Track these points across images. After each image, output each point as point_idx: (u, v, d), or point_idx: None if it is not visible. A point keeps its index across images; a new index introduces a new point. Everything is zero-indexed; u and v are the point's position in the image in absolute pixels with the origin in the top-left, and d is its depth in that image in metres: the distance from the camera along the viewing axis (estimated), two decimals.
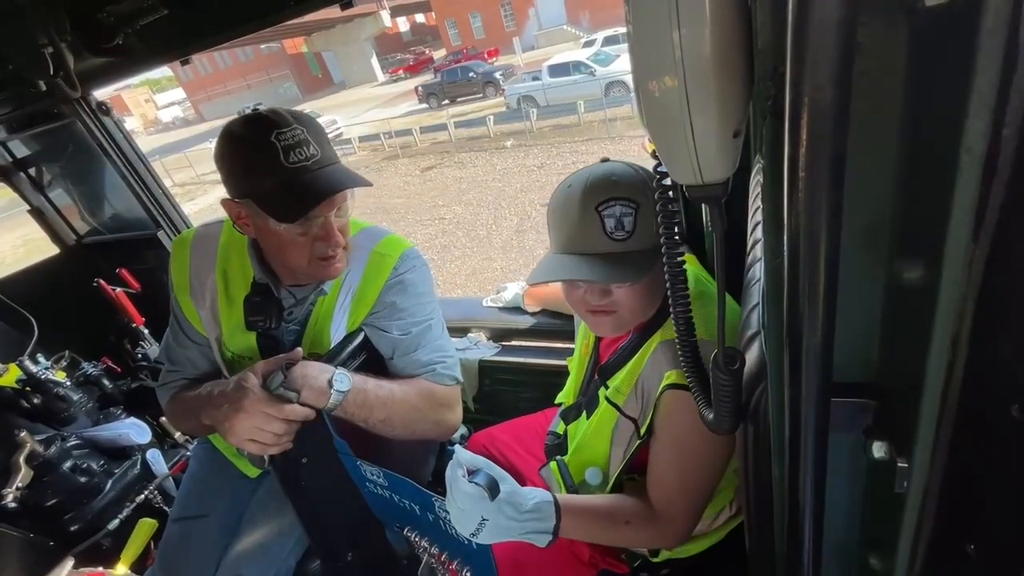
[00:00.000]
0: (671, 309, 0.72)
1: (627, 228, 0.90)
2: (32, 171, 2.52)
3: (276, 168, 0.99)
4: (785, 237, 0.33)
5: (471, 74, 20.59)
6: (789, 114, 0.29)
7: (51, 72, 1.68)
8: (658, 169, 0.72)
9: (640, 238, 0.91)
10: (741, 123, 0.42)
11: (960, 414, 0.31)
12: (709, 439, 0.92)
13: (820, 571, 0.50)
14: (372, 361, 1.26)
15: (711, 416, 0.70)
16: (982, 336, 0.29)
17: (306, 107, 27.19)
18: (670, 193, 0.67)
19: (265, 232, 1.09)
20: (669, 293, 0.69)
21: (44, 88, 1.77)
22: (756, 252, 0.82)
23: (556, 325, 1.82)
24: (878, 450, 0.39)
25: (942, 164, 0.27)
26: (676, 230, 0.66)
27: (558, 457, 1.23)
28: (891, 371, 0.39)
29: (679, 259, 0.67)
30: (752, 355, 0.67)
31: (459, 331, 2.02)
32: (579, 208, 0.92)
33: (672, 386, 0.92)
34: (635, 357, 1.01)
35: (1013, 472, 0.32)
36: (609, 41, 18.13)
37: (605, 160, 0.98)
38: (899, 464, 0.37)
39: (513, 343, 1.97)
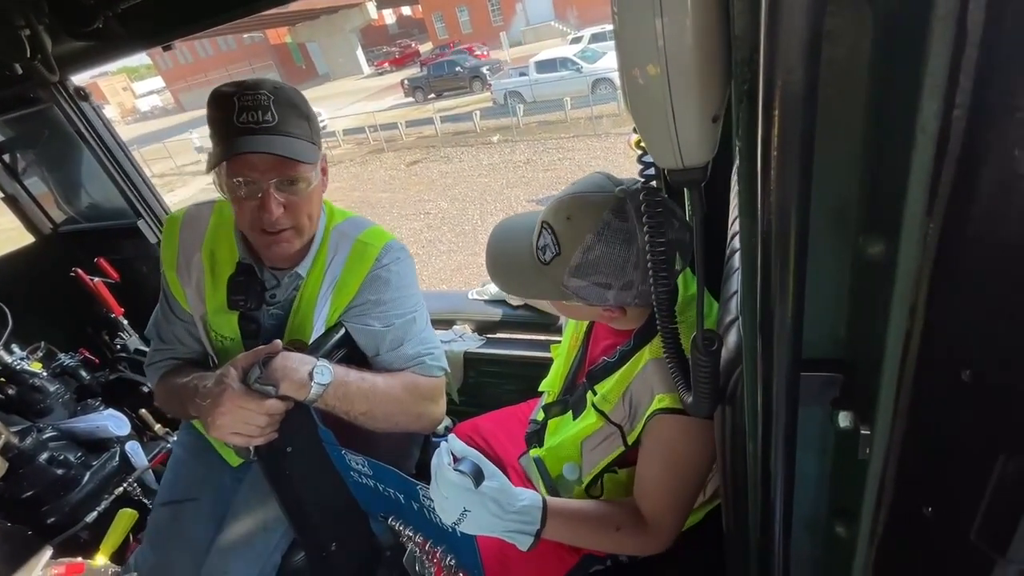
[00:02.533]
0: (653, 296, 0.73)
1: (545, 258, 0.92)
2: (6, 157, 2.45)
3: (227, 125, 1.02)
4: (759, 215, 0.35)
5: (457, 68, 20.48)
6: (762, 96, 0.30)
7: (28, 55, 1.64)
8: (644, 173, 0.74)
9: (549, 273, 0.92)
10: (720, 108, 0.44)
11: (917, 380, 0.34)
12: (697, 451, 0.94)
13: (790, 542, 0.53)
14: (354, 356, 1.26)
15: (690, 399, 0.72)
16: (936, 305, 0.31)
17: None
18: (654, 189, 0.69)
19: (227, 193, 1.11)
20: (651, 276, 0.70)
21: (20, 71, 1.73)
22: (735, 243, 0.84)
23: (541, 318, 1.83)
24: (843, 419, 0.41)
25: (901, 144, 0.29)
26: (659, 211, 0.68)
27: (534, 454, 1.24)
28: (856, 344, 0.41)
29: (661, 247, 0.69)
30: (730, 341, 0.69)
31: (444, 323, 2.02)
32: (543, 211, 0.95)
33: (663, 410, 0.92)
34: (625, 367, 1.02)
35: (965, 433, 0.35)
36: (596, 38, 18.19)
37: (619, 188, 0.88)
38: (862, 431, 0.39)
39: (498, 335, 1.98)
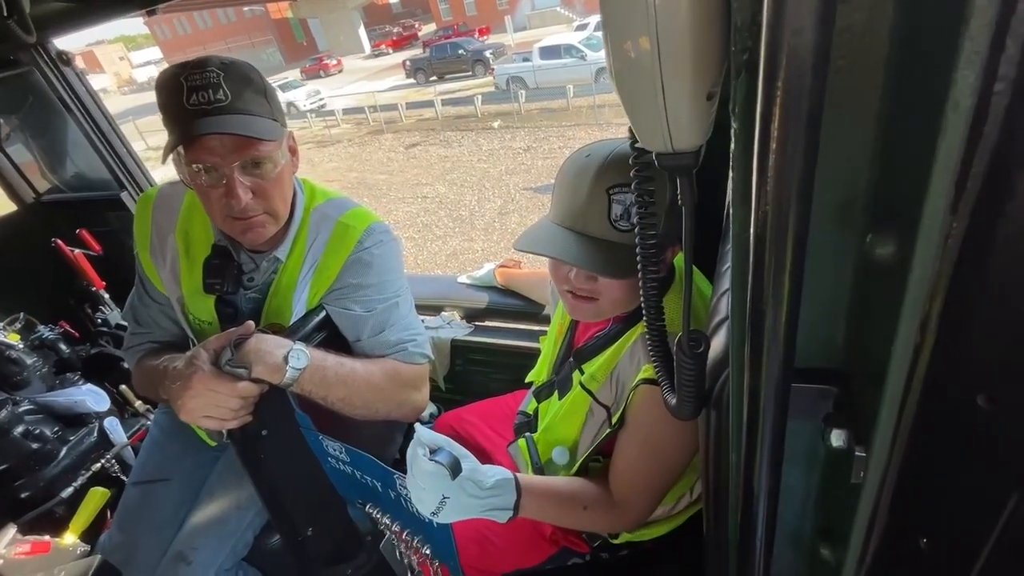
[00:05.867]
0: (640, 291, 0.69)
1: (633, 220, 0.85)
2: None
3: (178, 109, 0.96)
4: (753, 205, 0.30)
5: (460, 51, 20.23)
6: (763, 67, 0.26)
7: (4, 13, 1.57)
8: (635, 145, 0.69)
9: (632, 239, 0.87)
10: (715, 85, 0.39)
11: (923, 402, 0.29)
12: (677, 436, 0.92)
13: (772, 558, 0.49)
14: (334, 340, 1.21)
15: (674, 402, 0.69)
16: (954, 318, 0.27)
17: (288, 75, 26.44)
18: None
19: (189, 182, 1.06)
20: (640, 270, 0.66)
21: None
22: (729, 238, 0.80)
23: (529, 306, 1.80)
24: (836, 438, 0.37)
25: (925, 124, 0.25)
26: (652, 206, 0.63)
27: (527, 434, 1.22)
28: (855, 356, 0.37)
29: (651, 233, 0.65)
30: (718, 342, 0.66)
31: (432, 309, 1.98)
32: (591, 183, 0.87)
33: (647, 380, 0.90)
34: (613, 347, 1.00)
35: (974, 464, 0.31)
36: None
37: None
38: (857, 453, 0.35)
39: (487, 323, 1.94)
